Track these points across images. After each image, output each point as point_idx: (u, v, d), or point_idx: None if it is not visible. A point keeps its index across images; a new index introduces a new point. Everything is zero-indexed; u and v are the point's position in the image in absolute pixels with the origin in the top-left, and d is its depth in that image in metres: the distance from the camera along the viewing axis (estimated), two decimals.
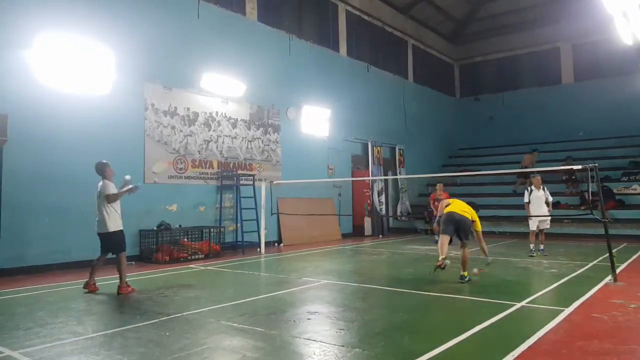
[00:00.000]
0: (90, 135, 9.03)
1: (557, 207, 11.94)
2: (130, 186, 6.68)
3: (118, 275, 6.54)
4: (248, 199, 11.66)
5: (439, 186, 13.28)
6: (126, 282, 6.56)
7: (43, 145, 8.43)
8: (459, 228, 6.92)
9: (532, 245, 10.12)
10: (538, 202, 10.04)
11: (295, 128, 13.79)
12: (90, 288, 6.59)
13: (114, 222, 6.53)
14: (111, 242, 6.59)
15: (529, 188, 10.33)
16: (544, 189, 10.09)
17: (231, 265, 9.31)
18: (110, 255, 6.79)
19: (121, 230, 6.64)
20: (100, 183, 6.57)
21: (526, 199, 10.16)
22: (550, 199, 10.16)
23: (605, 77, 19.00)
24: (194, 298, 6.13)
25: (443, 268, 6.66)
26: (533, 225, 10.10)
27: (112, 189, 6.51)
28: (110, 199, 6.44)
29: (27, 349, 4.03)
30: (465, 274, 6.87)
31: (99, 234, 6.59)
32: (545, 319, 4.69)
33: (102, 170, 6.63)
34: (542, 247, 10.16)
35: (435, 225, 13.17)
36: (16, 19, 8.22)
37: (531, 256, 9.88)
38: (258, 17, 12.94)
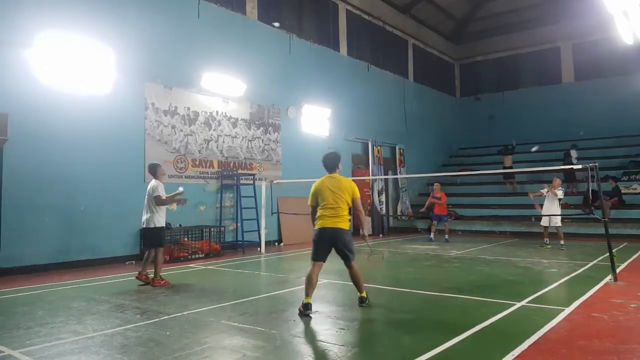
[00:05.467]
0: (90, 134, 9.03)
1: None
2: (180, 197, 7.34)
3: (153, 269, 7.00)
4: (248, 198, 11.66)
5: (437, 185, 13.67)
6: (160, 276, 6.95)
7: (43, 145, 8.43)
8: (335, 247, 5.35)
9: (545, 240, 11.25)
10: (551, 201, 11.04)
11: (296, 127, 13.79)
12: (142, 278, 6.96)
13: (159, 219, 7.00)
14: (153, 236, 7.03)
15: (544, 189, 11.24)
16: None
17: (231, 264, 9.31)
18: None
19: (163, 227, 7.12)
20: (152, 183, 7.01)
21: (543, 191, 11.23)
22: (560, 196, 11.14)
23: (605, 76, 19.00)
24: (194, 297, 6.13)
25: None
26: (544, 222, 11.21)
27: (162, 191, 6.97)
28: (158, 201, 6.90)
29: (27, 348, 4.03)
30: (364, 294, 5.48)
31: (144, 229, 7.15)
32: (546, 319, 4.68)
33: (153, 171, 7.13)
34: (562, 242, 10.97)
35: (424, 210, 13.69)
36: (16, 18, 8.21)
37: (542, 246, 11.08)
38: (258, 16, 12.93)
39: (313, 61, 14.43)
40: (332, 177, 5.52)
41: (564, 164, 14.52)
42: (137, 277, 7.01)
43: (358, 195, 5.47)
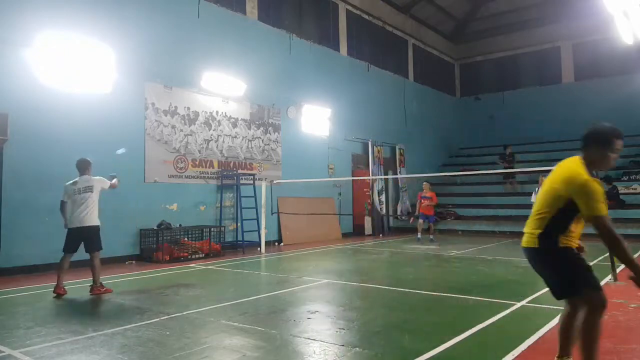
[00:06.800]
0: (90, 134, 9.03)
1: None
2: (114, 180, 6.84)
3: (93, 275, 6.44)
4: (248, 198, 11.66)
5: (426, 185, 13.26)
6: (101, 282, 6.49)
7: (43, 145, 8.43)
8: None
9: None
10: None
11: (296, 127, 13.79)
12: (62, 292, 6.28)
13: (96, 218, 6.49)
14: (92, 237, 6.46)
15: (536, 188, 10.77)
16: None
17: (231, 264, 9.32)
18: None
19: (99, 227, 6.57)
20: (88, 177, 6.52)
21: (532, 199, 10.72)
22: None
23: (605, 76, 18.99)
24: (194, 297, 6.13)
25: None
26: None
27: (107, 182, 6.68)
28: (113, 186, 6.75)
29: (27, 348, 4.03)
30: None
31: (79, 229, 6.41)
32: (546, 319, 4.68)
33: (87, 167, 6.59)
34: None
35: (417, 220, 13.24)
36: (17, 17, 8.21)
37: None
38: (258, 16, 12.93)
39: (313, 61, 14.43)
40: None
41: None
42: (57, 292, 6.19)
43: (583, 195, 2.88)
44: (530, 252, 3.18)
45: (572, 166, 3.05)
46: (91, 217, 6.42)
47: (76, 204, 6.42)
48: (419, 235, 12.81)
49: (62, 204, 6.53)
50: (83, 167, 6.57)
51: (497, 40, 21.64)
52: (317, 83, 14.51)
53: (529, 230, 3.17)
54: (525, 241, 3.19)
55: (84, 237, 6.45)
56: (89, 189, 6.44)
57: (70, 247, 6.49)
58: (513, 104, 21.03)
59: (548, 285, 3.26)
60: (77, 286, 6.99)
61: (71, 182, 6.55)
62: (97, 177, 6.62)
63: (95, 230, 6.47)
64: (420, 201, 13.07)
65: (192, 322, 4.85)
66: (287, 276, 7.75)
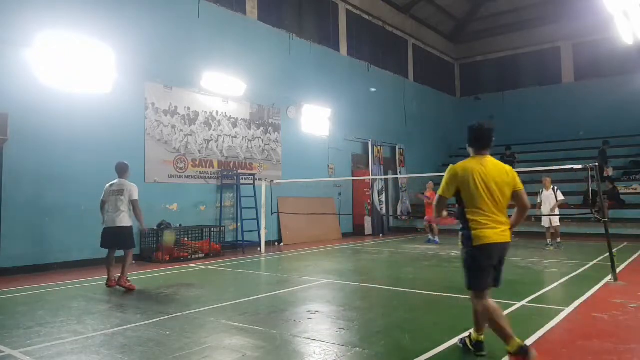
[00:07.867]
0: (90, 134, 9.03)
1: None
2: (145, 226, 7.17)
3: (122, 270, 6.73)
4: (248, 198, 11.66)
5: (429, 185, 13.22)
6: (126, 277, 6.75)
7: (43, 145, 8.43)
8: None
9: (548, 240, 11.04)
10: (547, 201, 10.78)
11: (296, 127, 13.79)
12: (124, 283, 6.68)
13: (129, 219, 6.86)
14: (126, 236, 6.82)
15: (541, 189, 10.97)
16: (554, 189, 10.71)
17: (231, 264, 9.31)
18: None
19: (132, 227, 6.95)
20: (128, 184, 6.86)
21: (538, 199, 10.90)
22: (561, 198, 10.77)
23: (605, 76, 18.99)
24: (194, 297, 6.13)
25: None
26: (545, 223, 10.93)
27: (138, 195, 6.91)
28: (137, 205, 6.80)
29: (27, 348, 4.03)
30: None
31: (111, 228, 6.74)
32: (546, 319, 4.68)
33: (124, 170, 6.98)
34: (558, 240, 10.96)
35: (426, 223, 13.15)
36: (16, 18, 8.21)
37: (544, 249, 10.76)
38: (258, 16, 12.93)
39: (313, 61, 14.43)
40: (488, 160, 3.86)
41: (598, 162, 14.16)
42: (108, 285, 6.72)
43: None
44: (508, 246, 3.60)
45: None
46: (123, 218, 6.74)
47: (111, 205, 6.78)
48: (434, 237, 12.61)
49: (102, 203, 6.91)
50: (120, 170, 6.97)
51: (497, 40, 21.64)
52: (317, 83, 14.51)
53: (508, 226, 3.62)
54: (508, 236, 3.58)
55: (117, 236, 6.76)
56: (121, 192, 6.77)
57: (105, 244, 6.85)
58: (513, 104, 21.02)
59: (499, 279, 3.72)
60: (77, 286, 6.99)
61: (109, 184, 6.92)
62: (132, 184, 6.90)
63: (126, 230, 6.80)
64: (423, 199, 13.18)
65: (192, 322, 4.85)
66: (287, 276, 7.75)
